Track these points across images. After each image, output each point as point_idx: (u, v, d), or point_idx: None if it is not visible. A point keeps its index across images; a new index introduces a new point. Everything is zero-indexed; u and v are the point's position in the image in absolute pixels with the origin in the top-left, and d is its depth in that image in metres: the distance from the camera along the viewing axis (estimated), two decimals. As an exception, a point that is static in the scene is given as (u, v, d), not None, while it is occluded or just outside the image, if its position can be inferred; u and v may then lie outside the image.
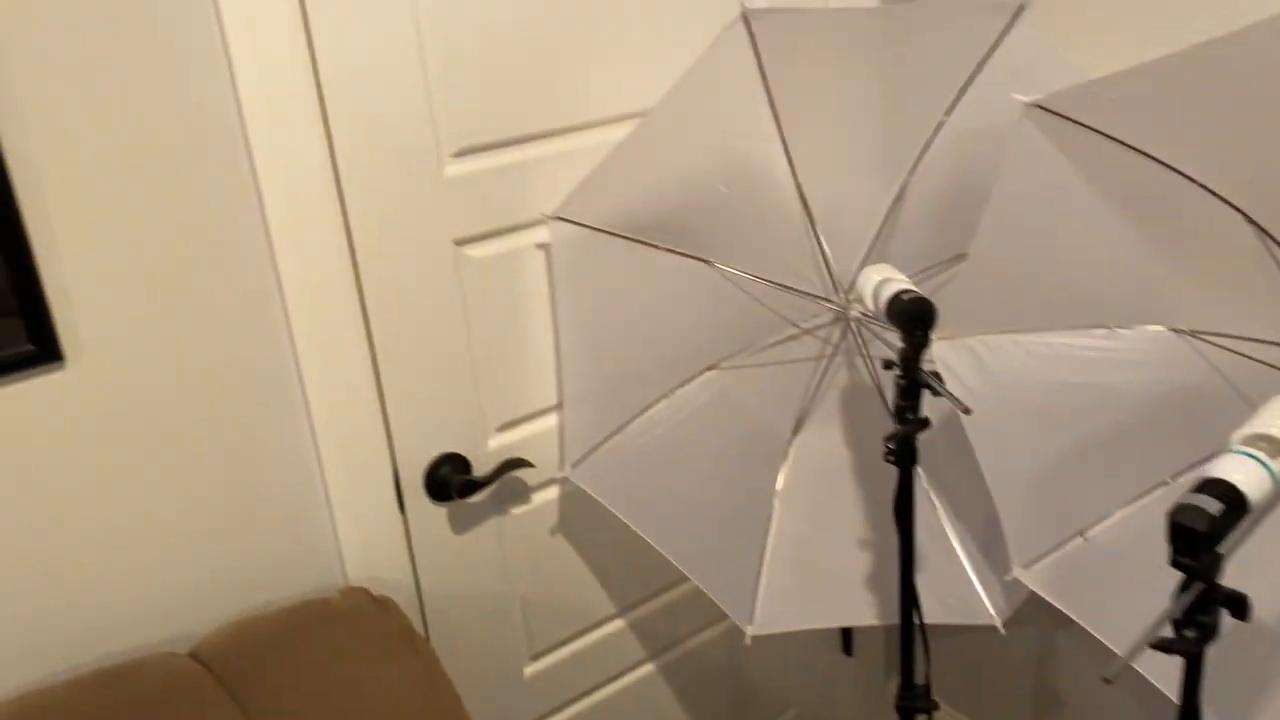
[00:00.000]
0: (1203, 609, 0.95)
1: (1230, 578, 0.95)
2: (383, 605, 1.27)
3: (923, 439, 1.66)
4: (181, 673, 1.12)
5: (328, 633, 1.19)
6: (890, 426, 1.65)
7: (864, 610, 1.62)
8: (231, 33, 1.15)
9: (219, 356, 1.24)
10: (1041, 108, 1.17)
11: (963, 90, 1.49)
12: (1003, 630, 1.57)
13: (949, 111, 1.51)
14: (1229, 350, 1.31)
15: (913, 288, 1.28)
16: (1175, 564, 0.93)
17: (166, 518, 1.24)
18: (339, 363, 1.32)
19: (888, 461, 1.32)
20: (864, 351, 1.65)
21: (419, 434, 1.43)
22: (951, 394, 1.18)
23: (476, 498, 1.52)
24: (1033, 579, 1.46)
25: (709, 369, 1.65)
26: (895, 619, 1.63)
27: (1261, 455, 0.94)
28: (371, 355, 1.36)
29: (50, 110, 1.08)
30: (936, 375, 1.26)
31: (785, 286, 1.60)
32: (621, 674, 1.82)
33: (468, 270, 1.42)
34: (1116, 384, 1.40)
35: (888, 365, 1.30)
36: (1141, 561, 1.41)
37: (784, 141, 1.54)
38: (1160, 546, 1.40)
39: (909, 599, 1.39)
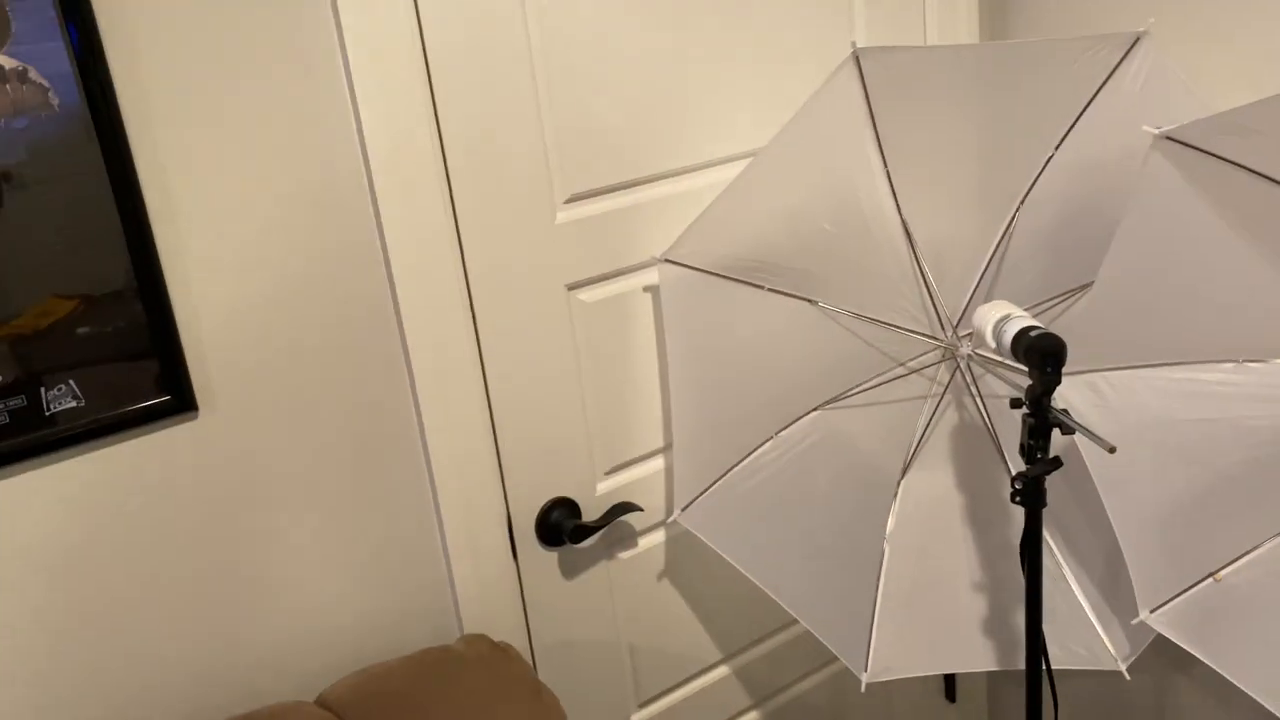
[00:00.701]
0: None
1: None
2: (504, 652, 1.26)
3: (1034, 479, 1.63)
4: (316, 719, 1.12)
5: (455, 680, 1.19)
6: (1000, 467, 1.64)
7: (980, 655, 1.58)
8: (359, 86, 1.18)
9: (344, 407, 1.26)
10: (1172, 139, 1.15)
11: (1075, 123, 1.47)
12: (1127, 675, 1.52)
13: (1059, 145, 1.50)
14: (1370, 383, 1.27)
15: (1038, 324, 1.26)
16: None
17: (292, 568, 1.26)
18: (458, 411, 1.33)
19: (1015, 503, 1.29)
20: (973, 390, 1.62)
21: (531, 479, 1.44)
22: (1090, 431, 1.15)
23: (587, 543, 1.51)
24: (1161, 622, 1.41)
25: (814, 410, 1.63)
26: (1013, 664, 1.58)
27: None
28: (487, 401, 1.37)
29: (189, 167, 1.11)
30: (1066, 413, 1.23)
31: (891, 325, 1.59)
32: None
33: (579, 314, 1.43)
34: (1247, 419, 1.36)
35: (1015, 404, 1.27)
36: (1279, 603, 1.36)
37: (890, 179, 1.53)
38: (1300, 588, 1.35)
39: (1035, 644, 1.35)
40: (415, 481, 1.33)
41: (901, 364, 1.63)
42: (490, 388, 1.37)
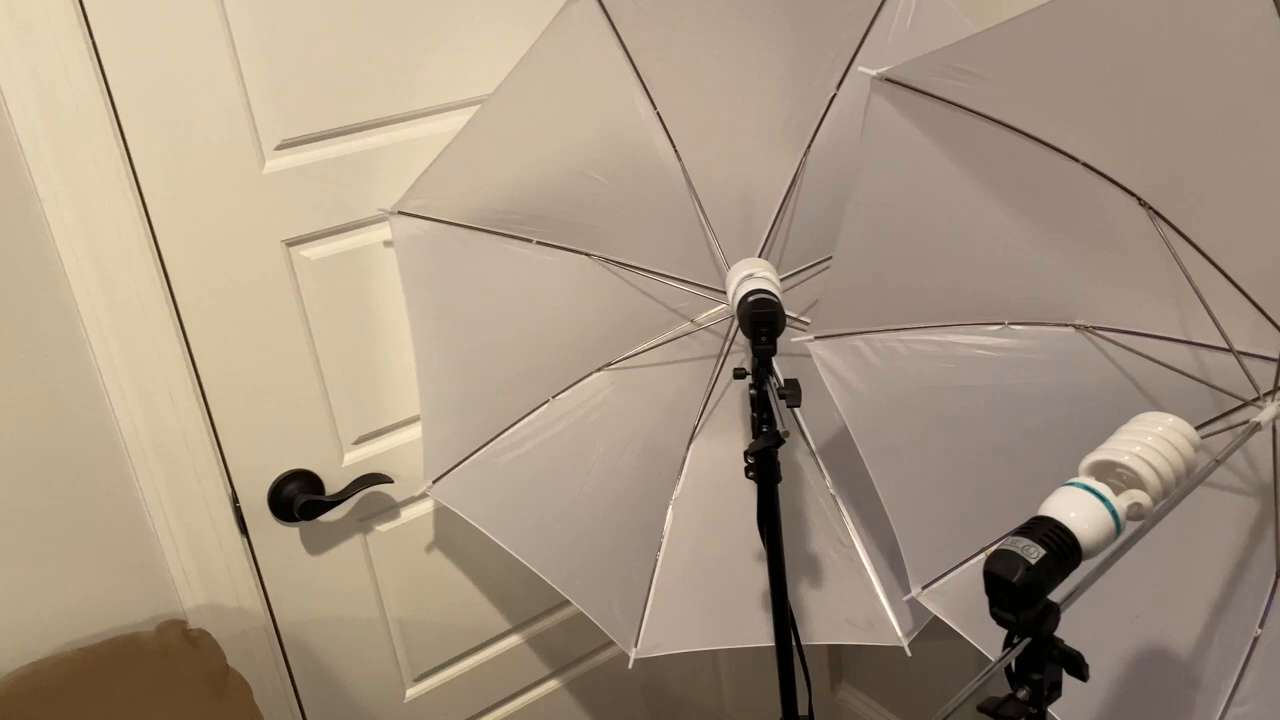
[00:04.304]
0: (1036, 666, 0.81)
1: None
2: (194, 642, 1.17)
3: (832, 442, 1.54)
4: (-50, 725, 1.03)
5: (121, 675, 1.10)
6: (794, 430, 1.54)
7: (759, 630, 1.50)
8: (-16, 23, 1.04)
9: (16, 394, 1.14)
10: (891, 81, 1.02)
11: (853, 59, 1.34)
12: (909, 652, 1.44)
13: (840, 84, 1.37)
14: (1130, 350, 1.17)
15: (766, 286, 1.15)
16: (995, 617, 0.80)
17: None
18: (151, 381, 1.21)
19: (749, 478, 1.19)
20: (764, 348, 1.51)
21: (259, 453, 1.33)
22: (794, 410, 1.05)
23: (331, 516, 1.41)
24: (933, 600, 1.33)
25: (596, 371, 1.52)
26: (803, 641, 1.50)
27: (1101, 490, 0.80)
28: (193, 370, 1.25)
29: None
30: (793, 384, 1.13)
31: (673, 279, 1.48)
32: (526, 690, 1.72)
33: (305, 272, 1.31)
34: (1016, 386, 1.26)
35: (739, 375, 1.17)
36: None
37: (663, 123, 1.41)
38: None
39: (783, 625, 1.26)
40: (108, 460, 1.22)
41: (689, 320, 1.53)
42: (196, 358, 1.25)
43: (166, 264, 1.21)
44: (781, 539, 1.23)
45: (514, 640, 1.67)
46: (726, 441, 1.56)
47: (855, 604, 1.49)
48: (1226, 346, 1.08)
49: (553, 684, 1.74)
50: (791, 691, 1.31)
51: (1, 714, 1.05)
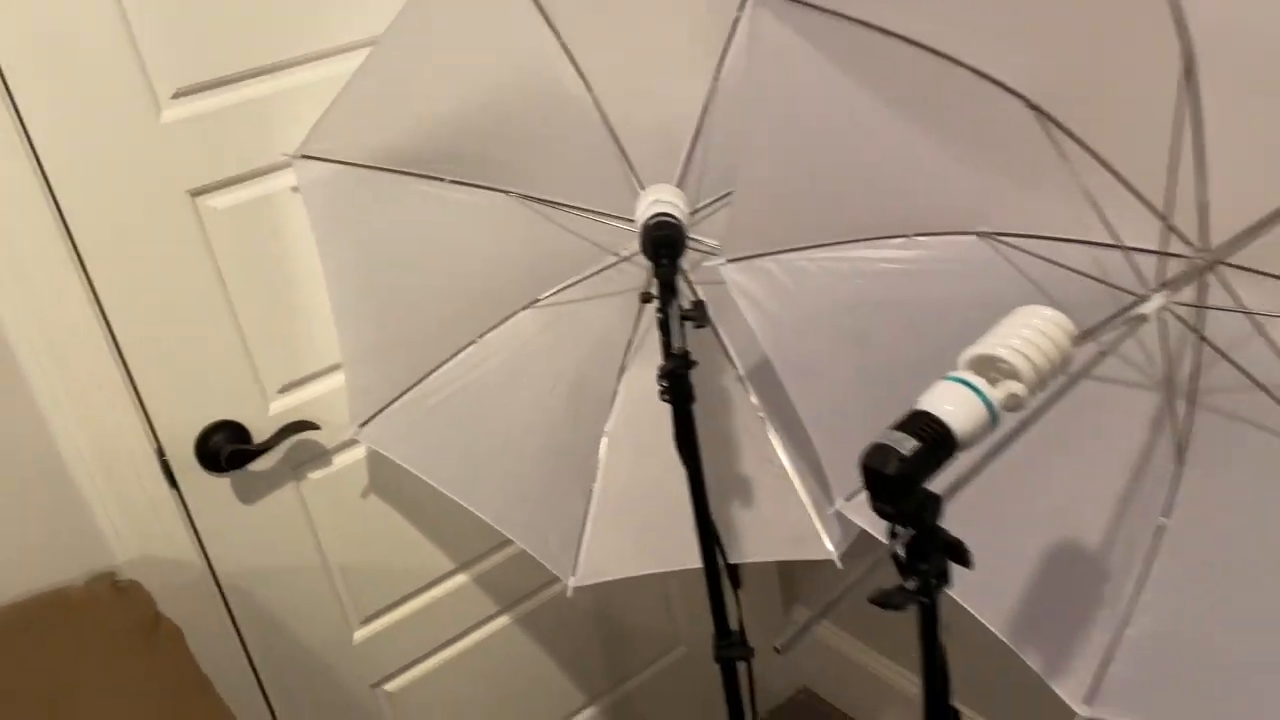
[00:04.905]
0: (922, 556, 0.84)
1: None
2: (124, 594, 1.18)
3: (760, 365, 1.55)
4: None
5: (50, 631, 1.11)
6: (722, 355, 1.55)
7: (695, 552, 1.52)
8: None
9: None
10: (760, -8, 1.02)
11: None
12: (839, 564, 1.47)
13: (743, 4, 1.36)
14: (1032, 254, 1.18)
15: (670, 210, 1.16)
16: (875, 510, 0.82)
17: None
18: (63, 341, 1.21)
19: (664, 400, 1.21)
20: (688, 277, 1.52)
21: (181, 404, 1.33)
22: (720, 334, 1.07)
23: (261, 466, 1.42)
24: (856, 511, 1.36)
25: (522, 309, 1.53)
26: (735, 559, 1.53)
27: (976, 382, 0.82)
28: (106, 327, 1.25)
29: None
30: (699, 305, 1.14)
31: (594, 212, 1.48)
32: (476, 626, 1.75)
33: (212, 222, 1.30)
34: (925, 298, 1.27)
35: (645, 298, 1.18)
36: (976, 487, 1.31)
37: (569, 53, 1.40)
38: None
39: (708, 544, 1.29)
40: (26, 423, 1.22)
41: (613, 253, 1.53)
42: (107, 312, 1.25)
43: (66, 218, 1.20)
44: (700, 460, 1.25)
45: (461, 579, 1.70)
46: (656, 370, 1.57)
47: (786, 521, 1.51)
48: (1117, 244, 1.10)
49: (504, 620, 1.77)
50: (722, 609, 1.34)
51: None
